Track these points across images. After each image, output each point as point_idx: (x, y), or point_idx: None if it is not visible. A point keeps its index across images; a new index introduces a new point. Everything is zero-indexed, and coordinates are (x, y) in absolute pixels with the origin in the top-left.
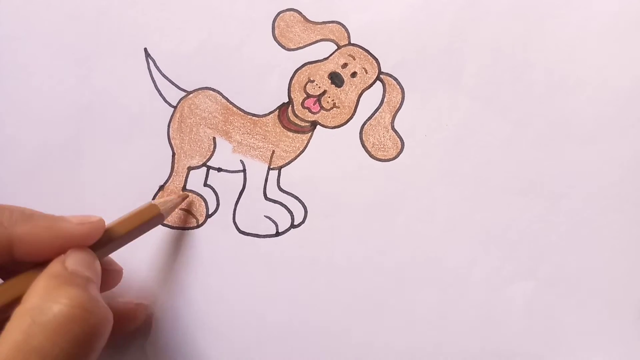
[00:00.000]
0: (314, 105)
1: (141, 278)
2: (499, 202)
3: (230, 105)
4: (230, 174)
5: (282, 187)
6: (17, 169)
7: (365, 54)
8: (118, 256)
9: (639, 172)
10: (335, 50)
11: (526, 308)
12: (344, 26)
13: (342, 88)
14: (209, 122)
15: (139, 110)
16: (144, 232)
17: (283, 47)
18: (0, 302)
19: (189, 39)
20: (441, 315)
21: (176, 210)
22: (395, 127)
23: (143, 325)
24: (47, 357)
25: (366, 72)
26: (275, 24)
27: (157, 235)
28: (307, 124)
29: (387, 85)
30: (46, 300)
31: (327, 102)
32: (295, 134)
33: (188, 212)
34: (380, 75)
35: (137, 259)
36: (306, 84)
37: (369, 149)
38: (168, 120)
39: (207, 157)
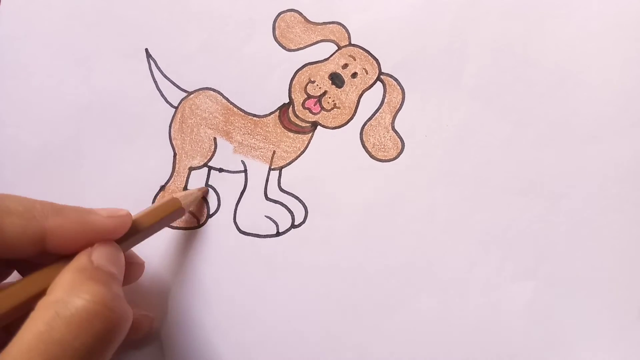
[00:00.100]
0: (314, 105)
1: (142, 278)
2: (499, 202)
3: (231, 106)
4: (232, 174)
5: (282, 187)
6: (17, 169)
7: (366, 54)
8: None
9: (639, 172)
10: (336, 51)
11: (526, 308)
12: (344, 27)
13: (342, 88)
14: (210, 123)
15: (140, 111)
16: (165, 225)
17: (284, 47)
18: (27, 294)
19: (190, 39)
20: (441, 315)
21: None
22: (395, 127)
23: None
24: (68, 349)
25: (366, 73)
26: (276, 25)
27: (159, 235)
28: (308, 125)
29: (387, 86)
30: (70, 295)
31: (328, 102)
32: (296, 135)
33: (190, 212)
34: (381, 76)
35: None
36: (307, 84)
37: (370, 150)
38: (169, 120)
39: (208, 157)
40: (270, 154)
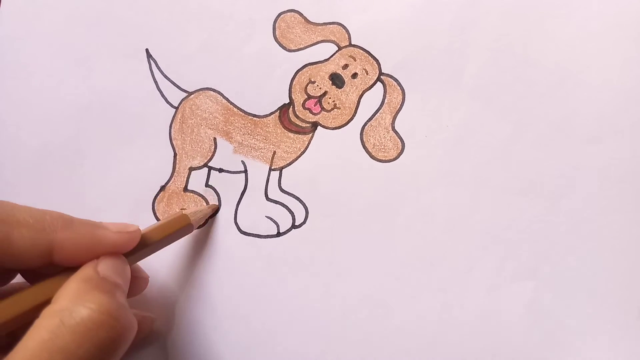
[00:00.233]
0: (314, 106)
1: None
2: (499, 202)
3: (231, 106)
4: (232, 174)
5: (283, 187)
6: (17, 169)
7: (366, 54)
8: None
9: (639, 172)
10: (336, 51)
11: (526, 308)
12: (344, 27)
13: (342, 89)
14: (210, 123)
15: (140, 111)
16: (173, 241)
17: (284, 48)
18: (32, 303)
19: (190, 39)
20: (441, 315)
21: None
22: (395, 128)
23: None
24: (71, 358)
25: (367, 73)
26: (276, 25)
27: None
28: (308, 125)
29: (387, 86)
30: (76, 304)
31: (328, 103)
32: (296, 135)
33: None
34: (381, 76)
35: None
36: (307, 84)
37: (370, 150)
38: (169, 120)
39: (208, 157)
40: (270, 154)
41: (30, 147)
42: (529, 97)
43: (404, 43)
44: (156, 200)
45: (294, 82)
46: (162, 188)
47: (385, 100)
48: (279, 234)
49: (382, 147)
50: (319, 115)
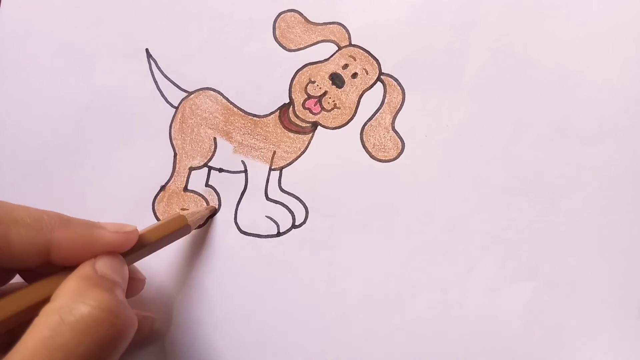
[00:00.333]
0: (314, 106)
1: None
2: (499, 202)
3: (231, 106)
4: (232, 174)
5: (283, 187)
6: (17, 169)
7: (366, 54)
8: None
9: (639, 172)
10: (336, 51)
11: (526, 308)
12: (344, 27)
13: (342, 89)
14: (210, 123)
15: (140, 111)
16: (171, 242)
17: (284, 47)
18: (32, 301)
19: (190, 39)
20: (441, 315)
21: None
22: (395, 127)
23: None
24: (72, 355)
25: (367, 73)
26: (276, 25)
27: None
28: (308, 125)
29: (387, 86)
30: (75, 301)
31: (328, 102)
32: (296, 135)
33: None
34: (381, 76)
35: None
36: (307, 84)
37: (370, 150)
38: (169, 120)
39: (208, 157)
40: (270, 154)
41: (30, 147)
42: (529, 97)
43: (404, 43)
44: (156, 200)
45: (294, 82)
46: (162, 188)
47: (385, 100)
48: (279, 234)
49: (382, 147)
50: (319, 115)
